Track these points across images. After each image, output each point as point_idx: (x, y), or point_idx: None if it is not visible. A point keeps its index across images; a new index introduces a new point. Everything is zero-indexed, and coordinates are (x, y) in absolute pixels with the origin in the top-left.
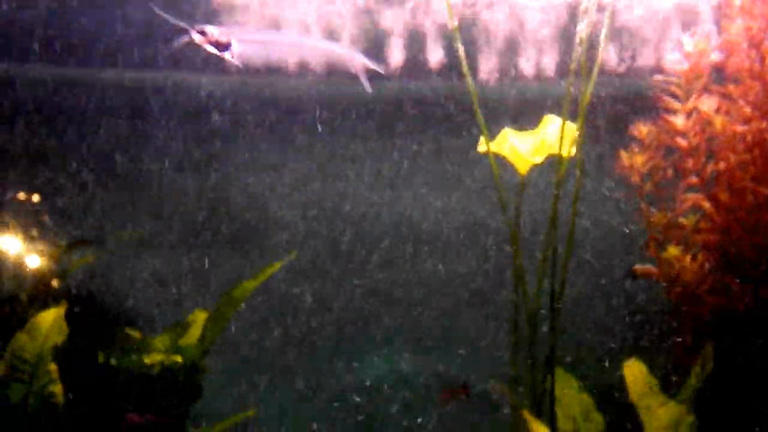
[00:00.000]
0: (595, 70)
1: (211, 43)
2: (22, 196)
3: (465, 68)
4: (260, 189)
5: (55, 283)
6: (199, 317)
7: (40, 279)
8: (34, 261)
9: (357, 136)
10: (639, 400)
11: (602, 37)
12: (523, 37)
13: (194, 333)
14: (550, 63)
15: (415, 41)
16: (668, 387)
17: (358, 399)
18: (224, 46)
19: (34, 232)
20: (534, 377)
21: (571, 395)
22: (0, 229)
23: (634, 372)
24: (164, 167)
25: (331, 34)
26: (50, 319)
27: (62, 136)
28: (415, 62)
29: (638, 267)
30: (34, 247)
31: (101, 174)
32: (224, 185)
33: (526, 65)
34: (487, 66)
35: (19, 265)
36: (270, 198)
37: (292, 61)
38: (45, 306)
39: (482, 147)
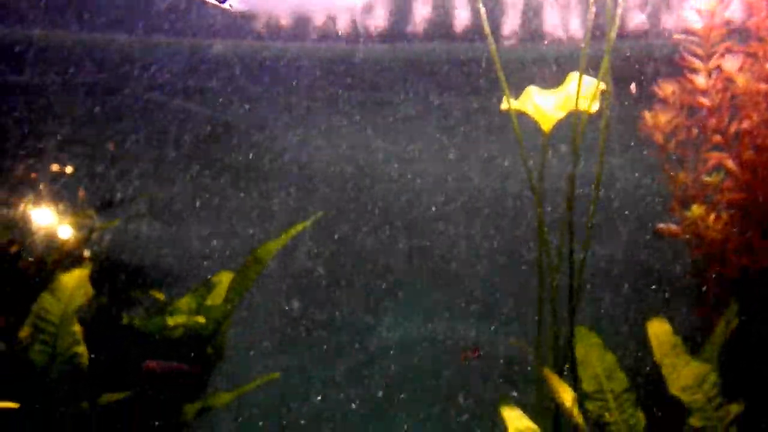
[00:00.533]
0: (614, 29)
1: None
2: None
3: (487, 30)
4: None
5: (80, 245)
6: (224, 278)
7: (66, 241)
8: (60, 224)
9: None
10: (663, 358)
11: None
12: None
13: (219, 294)
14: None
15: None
16: (692, 348)
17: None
18: None
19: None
20: (556, 336)
21: (593, 354)
22: (28, 193)
23: (657, 331)
24: None
25: None
26: (75, 279)
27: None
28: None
29: (662, 226)
30: (60, 209)
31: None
32: None
33: (549, 26)
34: (510, 27)
35: (45, 228)
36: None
37: None
38: (70, 268)
39: (504, 105)
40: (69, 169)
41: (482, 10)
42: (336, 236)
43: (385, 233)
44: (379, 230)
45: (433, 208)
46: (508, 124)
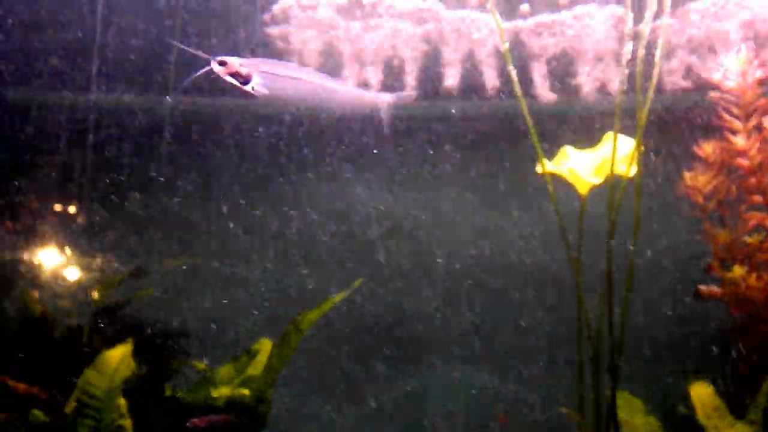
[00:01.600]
0: (652, 87)
1: (232, 75)
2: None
3: (518, 89)
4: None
5: (115, 313)
6: (265, 346)
7: (102, 310)
8: (96, 291)
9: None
10: (706, 420)
11: (657, 55)
12: (575, 56)
13: (260, 361)
14: (606, 81)
15: (469, 65)
16: (735, 408)
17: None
18: (245, 79)
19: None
20: (598, 400)
21: (637, 418)
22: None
23: (700, 393)
24: None
25: (392, 67)
26: (118, 355)
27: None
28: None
29: (702, 287)
30: (95, 276)
31: None
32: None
33: (580, 83)
34: (542, 85)
35: (80, 296)
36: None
37: (313, 100)
38: (109, 338)
39: (540, 168)
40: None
41: (513, 73)
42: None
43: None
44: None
45: (470, 264)
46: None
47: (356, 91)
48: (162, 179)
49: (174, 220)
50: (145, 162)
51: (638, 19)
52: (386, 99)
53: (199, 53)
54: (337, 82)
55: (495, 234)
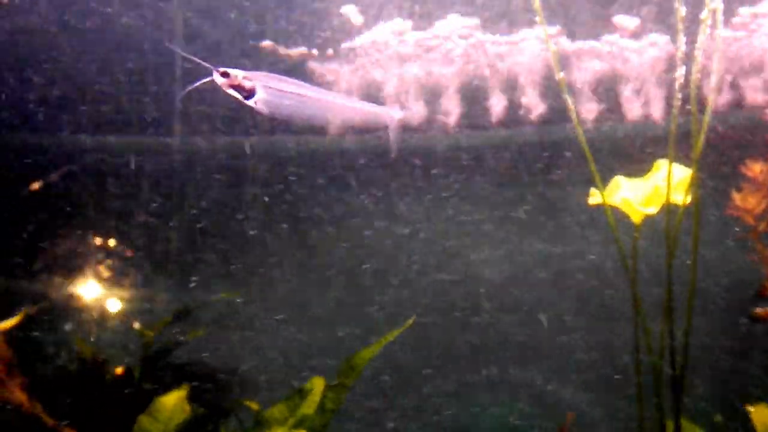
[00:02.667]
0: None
1: (234, 87)
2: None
3: (575, 117)
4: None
5: (164, 355)
6: (317, 385)
7: (153, 353)
8: (145, 332)
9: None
10: None
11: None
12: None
13: (313, 400)
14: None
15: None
16: None
17: None
18: (248, 92)
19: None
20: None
21: None
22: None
23: (762, 417)
24: None
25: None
26: (173, 401)
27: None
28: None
29: (759, 310)
30: (142, 319)
31: None
32: None
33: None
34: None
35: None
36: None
37: (319, 118)
38: (160, 379)
39: (594, 199)
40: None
41: (569, 101)
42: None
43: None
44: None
45: (529, 292)
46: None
47: (365, 106)
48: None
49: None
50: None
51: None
52: (396, 114)
53: (202, 62)
54: (344, 98)
55: (543, 261)
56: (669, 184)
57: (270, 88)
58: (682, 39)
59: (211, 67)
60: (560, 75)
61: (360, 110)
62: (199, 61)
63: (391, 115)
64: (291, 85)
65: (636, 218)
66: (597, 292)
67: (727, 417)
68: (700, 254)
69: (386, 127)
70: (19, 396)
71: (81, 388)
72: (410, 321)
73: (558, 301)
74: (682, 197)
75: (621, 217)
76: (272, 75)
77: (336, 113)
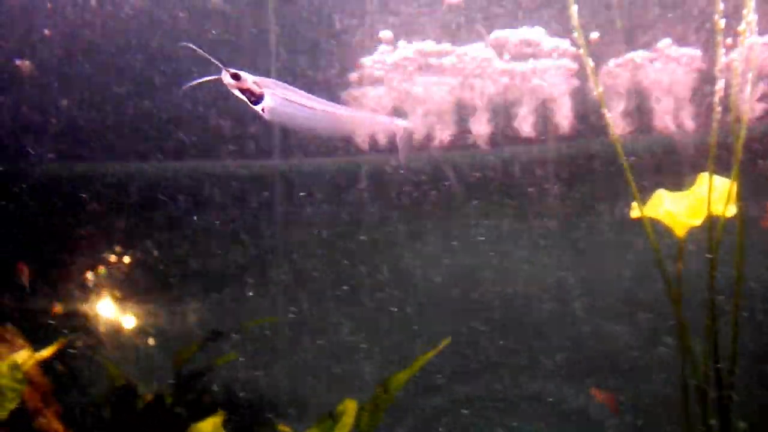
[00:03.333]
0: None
1: (242, 91)
2: None
3: (613, 131)
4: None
5: (195, 380)
6: (349, 407)
7: (185, 377)
8: (176, 357)
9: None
10: None
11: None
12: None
13: (346, 423)
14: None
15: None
16: None
17: None
18: (256, 97)
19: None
20: None
21: None
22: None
23: None
24: None
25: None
26: (209, 428)
27: None
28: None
29: None
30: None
31: None
32: None
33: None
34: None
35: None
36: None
37: (326, 129)
38: (193, 404)
39: (636, 212)
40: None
41: (608, 116)
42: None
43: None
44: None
45: (574, 308)
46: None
47: (372, 117)
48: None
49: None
50: None
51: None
52: (403, 124)
53: (213, 60)
54: (351, 110)
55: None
56: (710, 196)
57: (278, 96)
58: (720, 51)
59: (222, 67)
60: (599, 90)
61: (367, 121)
62: (211, 59)
63: (398, 125)
64: (299, 96)
65: (679, 231)
66: (636, 308)
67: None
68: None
69: (395, 138)
70: (56, 426)
71: (114, 416)
72: (446, 341)
73: (603, 317)
74: (724, 209)
75: (641, 230)
76: (281, 83)
77: (343, 125)
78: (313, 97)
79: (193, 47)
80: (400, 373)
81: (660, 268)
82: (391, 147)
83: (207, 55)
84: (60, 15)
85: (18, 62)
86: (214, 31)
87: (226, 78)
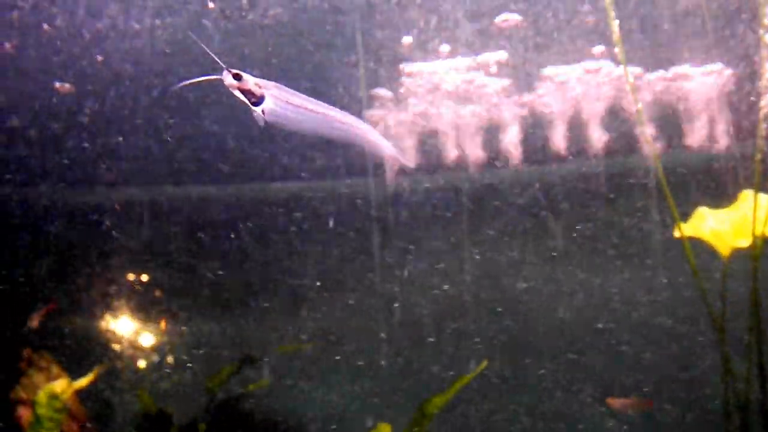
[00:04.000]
0: None
1: (243, 91)
2: None
3: (652, 148)
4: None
5: (232, 407)
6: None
7: (218, 405)
8: (209, 383)
9: None
10: None
11: None
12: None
13: None
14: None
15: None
16: None
17: None
18: (256, 99)
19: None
20: None
21: None
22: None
23: None
24: None
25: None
26: None
27: None
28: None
29: None
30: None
31: None
32: None
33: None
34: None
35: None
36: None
37: (324, 135)
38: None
39: (678, 232)
40: None
41: (647, 133)
42: None
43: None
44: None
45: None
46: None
47: (370, 133)
48: None
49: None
50: None
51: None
52: (395, 153)
53: (217, 59)
54: (352, 119)
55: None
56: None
57: (279, 98)
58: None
59: (224, 66)
60: (639, 106)
61: (364, 136)
62: (215, 58)
63: (391, 151)
64: (300, 99)
65: (724, 251)
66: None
67: None
68: None
69: (384, 158)
70: None
71: None
72: (483, 364)
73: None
74: None
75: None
76: (282, 86)
77: (341, 133)
78: (314, 100)
79: (200, 44)
80: (436, 397)
81: (701, 289)
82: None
83: (211, 54)
84: (104, 40)
85: (57, 84)
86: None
87: (228, 78)
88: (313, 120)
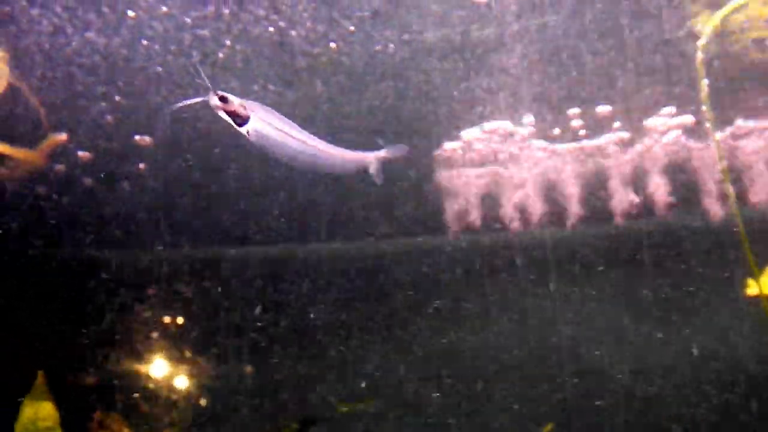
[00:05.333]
0: None
1: (228, 113)
2: None
3: (734, 206)
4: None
5: None
6: None
7: None
8: None
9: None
10: None
11: None
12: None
13: None
14: None
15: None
16: None
17: None
18: (241, 120)
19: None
20: None
21: None
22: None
23: None
24: None
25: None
26: None
27: None
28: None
29: None
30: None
31: None
32: None
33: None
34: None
35: None
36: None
37: (304, 160)
38: None
39: (752, 289)
40: None
41: (731, 190)
42: None
43: None
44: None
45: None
46: None
47: (346, 153)
48: None
49: None
50: None
51: None
52: (373, 156)
53: (206, 82)
54: (329, 146)
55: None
56: None
57: (263, 120)
58: None
59: (210, 89)
60: (723, 164)
61: (338, 156)
62: (204, 79)
63: (368, 157)
64: (282, 123)
65: None
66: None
67: None
68: None
69: (366, 168)
70: None
71: None
72: (549, 427)
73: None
74: None
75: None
76: (268, 109)
77: (319, 158)
78: (296, 126)
79: (194, 67)
80: None
81: None
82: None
83: (202, 77)
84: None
85: (137, 138)
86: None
87: (213, 100)
88: (295, 144)
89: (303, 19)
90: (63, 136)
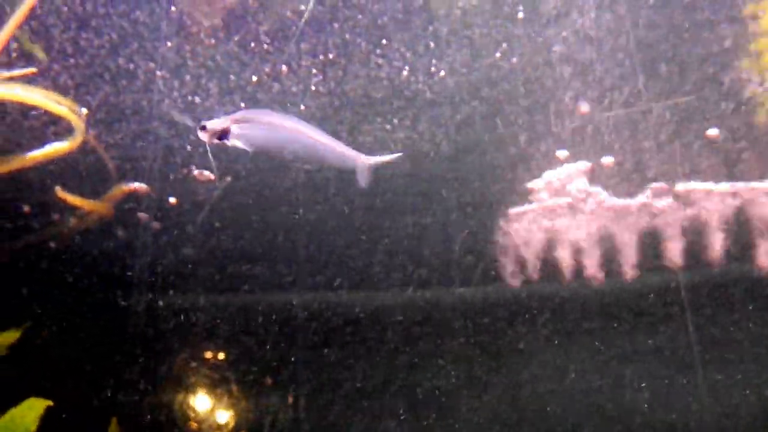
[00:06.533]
0: None
1: (214, 136)
2: None
3: None
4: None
5: None
6: None
7: None
8: None
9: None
10: None
11: None
12: None
13: None
14: None
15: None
16: None
17: None
18: (224, 134)
19: None
20: None
21: None
22: None
23: None
24: None
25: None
26: None
27: None
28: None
29: None
30: None
31: None
32: None
33: None
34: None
35: None
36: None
37: (293, 151)
38: None
39: None
40: None
41: None
42: None
43: None
44: None
45: None
46: None
47: (339, 146)
48: None
49: None
50: None
51: None
52: (367, 161)
53: (187, 122)
54: (321, 135)
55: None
56: None
57: (242, 121)
58: None
59: (194, 126)
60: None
61: (331, 148)
62: (184, 120)
63: (362, 160)
64: (265, 116)
65: None
66: None
67: None
68: None
69: (356, 169)
70: None
71: None
72: None
73: None
74: None
75: None
76: (251, 110)
77: (308, 147)
78: (287, 116)
79: (174, 113)
80: None
81: None
82: None
83: (184, 119)
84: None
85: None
86: None
87: (201, 135)
88: (279, 135)
89: None
90: (135, 186)
